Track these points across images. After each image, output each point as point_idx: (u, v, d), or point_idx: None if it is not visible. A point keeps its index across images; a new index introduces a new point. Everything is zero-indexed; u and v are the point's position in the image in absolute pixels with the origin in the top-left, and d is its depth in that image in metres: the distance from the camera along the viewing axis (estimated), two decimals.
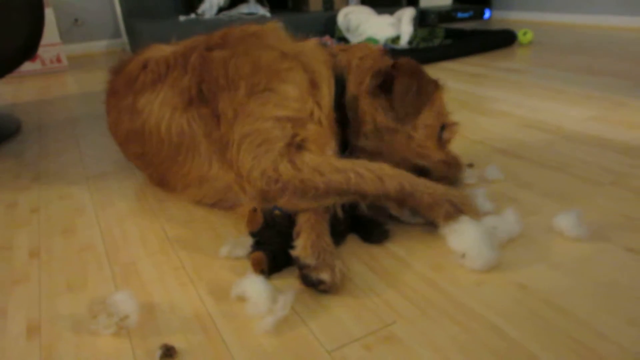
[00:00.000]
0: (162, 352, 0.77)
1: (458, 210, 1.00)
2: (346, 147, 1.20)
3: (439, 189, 1.03)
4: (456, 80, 2.47)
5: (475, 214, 1.02)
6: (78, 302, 0.93)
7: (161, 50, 1.30)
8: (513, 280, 0.91)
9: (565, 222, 1.03)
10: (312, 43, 1.25)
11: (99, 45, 4.21)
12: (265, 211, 1.01)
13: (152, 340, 0.82)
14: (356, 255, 1.02)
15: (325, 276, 0.88)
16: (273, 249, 0.96)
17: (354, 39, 3.49)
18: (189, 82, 1.15)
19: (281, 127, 1.04)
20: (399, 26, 3.35)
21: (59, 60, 3.56)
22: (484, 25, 4.37)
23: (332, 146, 1.13)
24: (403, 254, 1.01)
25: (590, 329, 0.78)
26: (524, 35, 3.24)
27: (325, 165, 1.01)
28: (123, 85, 1.28)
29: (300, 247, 0.93)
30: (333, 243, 0.97)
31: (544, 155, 1.45)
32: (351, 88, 1.20)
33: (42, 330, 0.86)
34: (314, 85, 1.14)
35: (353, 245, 1.06)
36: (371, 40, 3.29)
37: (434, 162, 1.16)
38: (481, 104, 2.04)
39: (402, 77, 1.14)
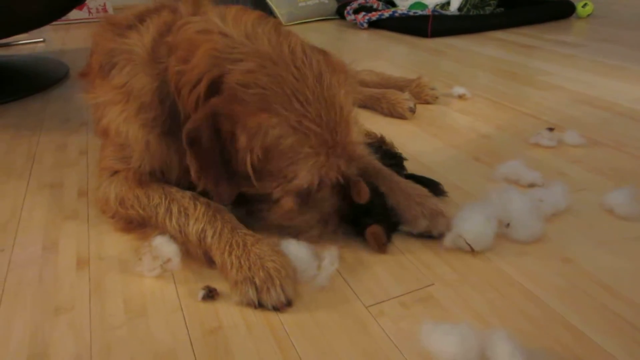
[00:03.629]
0: (204, 293, 0.80)
1: (255, 293, 0.78)
2: None
3: (249, 258, 0.80)
4: (506, 50, 2.37)
5: (282, 302, 0.78)
6: (124, 241, 0.97)
7: None
8: (557, 254, 0.89)
9: (617, 199, 0.99)
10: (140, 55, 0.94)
11: None
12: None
13: (194, 283, 0.85)
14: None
15: (442, 228, 0.90)
16: (382, 219, 0.90)
17: (401, 3, 3.38)
18: None
19: (112, 162, 1.00)
20: None
21: (104, 9, 3.59)
22: None
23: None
24: None
25: (636, 308, 0.76)
26: (583, 8, 3.06)
27: (130, 197, 0.95)
28: None
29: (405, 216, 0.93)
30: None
31: (597, 132, 1.39)
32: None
33: (91, 265, 0.90)
34: (126, 142, 0.97)
35: None
36: (419, 6, 3.18)
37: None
38: (532, 77, 1.95)
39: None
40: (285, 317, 0.77)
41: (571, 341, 0.70)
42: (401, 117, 1.53)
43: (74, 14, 3.43)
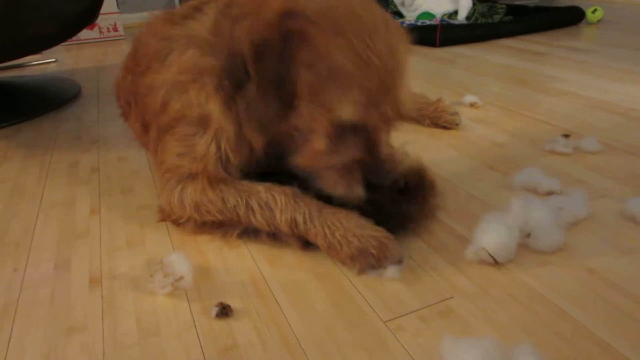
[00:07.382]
0: (218, 310, 0.78)
1: (374, 260, 0.85)
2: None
3: (349, 229, 0.86)
4: (516, 57, 2.35)
5: (399, 261, 0.86)
6: (137, 258, 0.96)
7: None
8: (580, 264, 0.86)
9: (638, 206, 0.96)
10: (202, 38, 0.97)
11: None
12: None
13: (207, 300, 0.83)
14: (413, 231, 0.99)
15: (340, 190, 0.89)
16: None
17: (408, 14, 3.39)
18: (139, 111, 1.17)
19: (179, 161, 1.00)
20: (457, 0, 3.22)
21: (115, 29, 3.64)
22: (549, 2, 4.13)
23: (230, 174, 1.01)
24: (462, 230, 0.98)
25: None
26: (593, 13, 3.04)
27: (205, 203, 0.95)
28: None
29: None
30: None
31: (613, 138, 1.37)
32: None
33: (104, 283, 0.89)
34: (205, 120, 0.97)
35: None
36: (427, 16, 3.18)
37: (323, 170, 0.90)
38: (543, 83, 1.93)
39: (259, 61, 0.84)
40: (302, 334, 0.75)
41: (599, 354, 0.67)
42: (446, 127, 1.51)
43: (85, 33, 3.49)
